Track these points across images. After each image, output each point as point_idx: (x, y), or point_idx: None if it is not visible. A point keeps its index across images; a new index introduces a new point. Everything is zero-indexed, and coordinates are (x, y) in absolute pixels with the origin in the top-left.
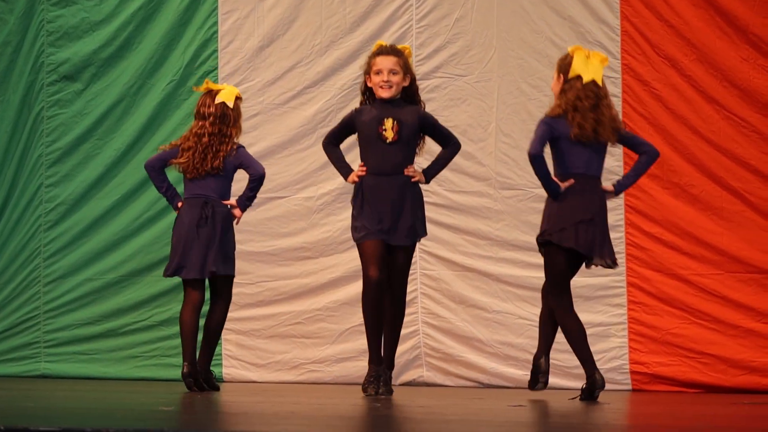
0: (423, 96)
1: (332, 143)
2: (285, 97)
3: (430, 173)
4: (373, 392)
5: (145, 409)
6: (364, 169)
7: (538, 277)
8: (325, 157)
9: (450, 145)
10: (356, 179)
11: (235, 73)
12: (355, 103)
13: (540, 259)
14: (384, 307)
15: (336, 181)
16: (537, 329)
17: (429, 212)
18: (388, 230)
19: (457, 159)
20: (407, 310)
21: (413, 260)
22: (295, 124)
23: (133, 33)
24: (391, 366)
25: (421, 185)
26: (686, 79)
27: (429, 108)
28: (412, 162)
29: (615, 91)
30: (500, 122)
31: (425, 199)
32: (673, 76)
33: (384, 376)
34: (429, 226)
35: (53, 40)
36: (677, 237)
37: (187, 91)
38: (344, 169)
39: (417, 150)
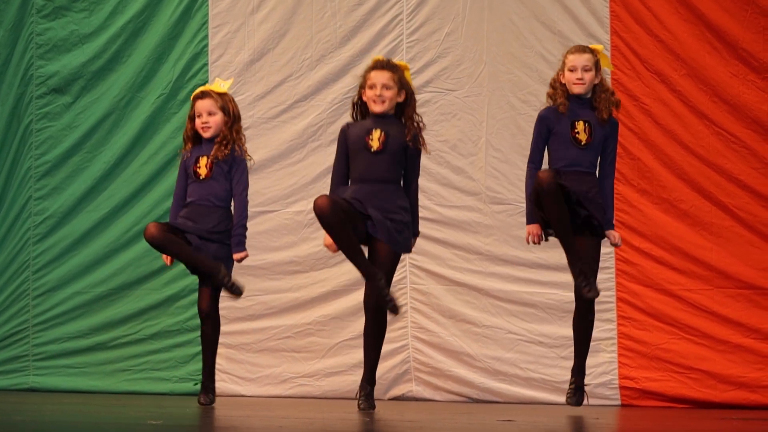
0: None
1: (339, 178)
2: (275, 111)
3: (415, 225)
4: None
5: (133, 423)
6: None
7: (528, 291)
8: (315, 171)
9: (413, 190)
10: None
11: None
12: (347, 117)
13: (529, 274)
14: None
15: None
16: (526, 344)
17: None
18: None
19: (447, 173)
20: (396, 324)
21: (403, 275)
22: (286, 138)
23: (122, 46)
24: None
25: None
26: (676, 94)
27: None
28: (398, 177)
29: None
30: (490, 137)
31: None
32: (662, 91)
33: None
34: (419, 240)
35: (42, 53)
36: (667, 252)
37: (177, 104)
38: None
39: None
